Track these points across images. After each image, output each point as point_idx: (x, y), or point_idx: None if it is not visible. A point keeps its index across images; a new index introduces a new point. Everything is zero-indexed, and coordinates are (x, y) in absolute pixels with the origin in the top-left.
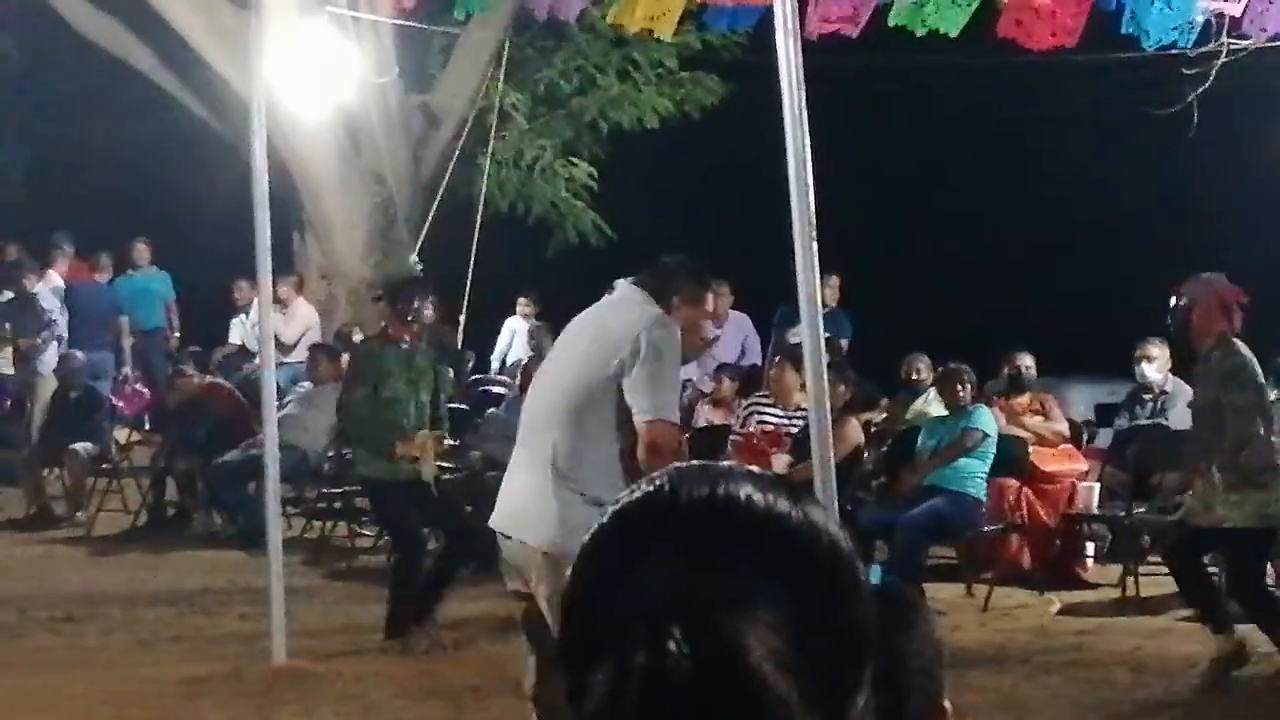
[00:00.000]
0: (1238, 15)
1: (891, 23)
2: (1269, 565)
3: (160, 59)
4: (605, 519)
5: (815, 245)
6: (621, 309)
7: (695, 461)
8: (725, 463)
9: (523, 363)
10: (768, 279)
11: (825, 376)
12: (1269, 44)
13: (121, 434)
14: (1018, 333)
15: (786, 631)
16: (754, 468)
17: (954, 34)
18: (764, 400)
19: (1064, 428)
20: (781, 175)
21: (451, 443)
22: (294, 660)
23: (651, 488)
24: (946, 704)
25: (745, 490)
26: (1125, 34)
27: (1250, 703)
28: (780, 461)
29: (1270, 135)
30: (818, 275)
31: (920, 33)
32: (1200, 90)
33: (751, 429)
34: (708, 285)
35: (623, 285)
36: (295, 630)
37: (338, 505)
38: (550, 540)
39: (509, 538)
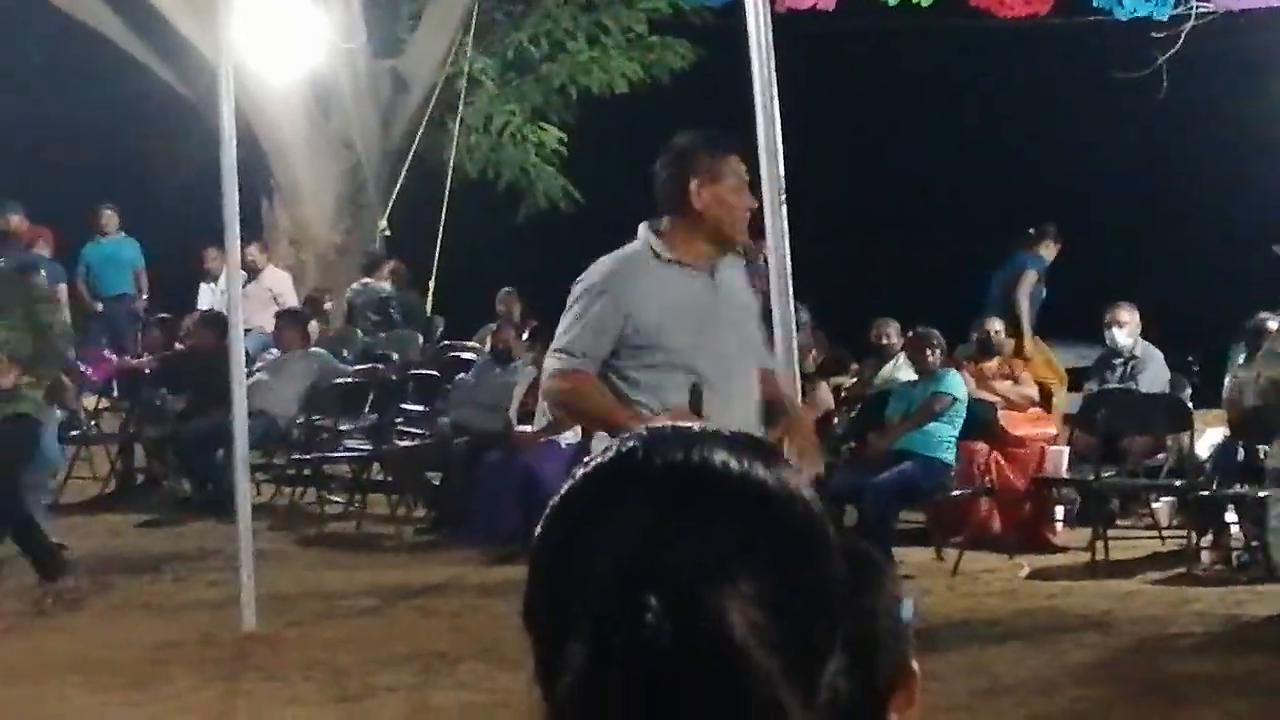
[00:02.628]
0: None
1: None
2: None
3: (127, 24)
4: (575, 480)
5: (785, 209)
6: None
7: (669, 424)
8: (698, 425)
9: (491, 328)
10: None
11: (795, 341)
12: (1237, 9)
13: (90, 401)
14: (986, 298)
15: (764, 600)
16: (727, 430)
17: (926, 3)
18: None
19: (1033, 392)
20: (751, 140)
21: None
22: (264, 626)
23: (624, 449)
24: (914, 664)
25: (719, 454)
26: (1097, 7)
27: (1220, 664)
28: None
29: (1239, 100)
30: (787, 240)
31: (892, 2)
32: (1169, 55)
33: None
34: (726, 153)
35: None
36: (265, 596)
37: (307, 472)
38: None
39: None
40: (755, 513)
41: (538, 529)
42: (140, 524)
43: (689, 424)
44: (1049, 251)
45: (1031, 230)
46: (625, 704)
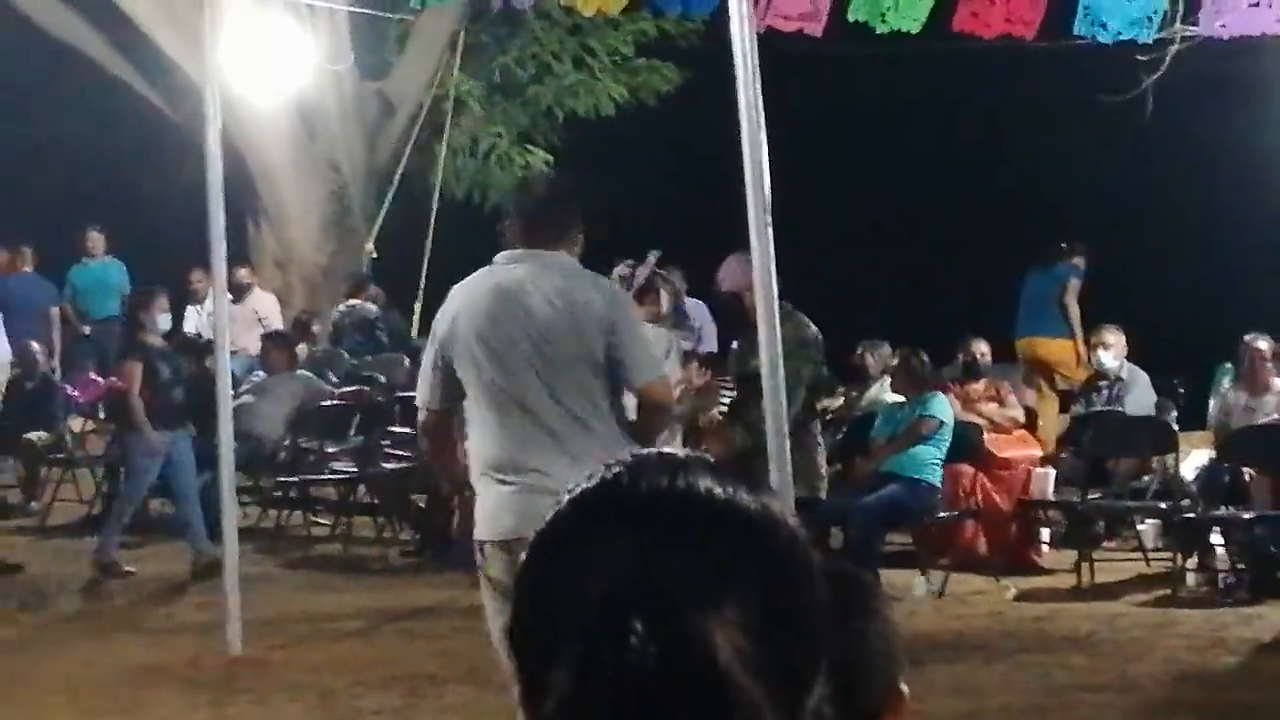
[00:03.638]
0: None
1: (851, 18)
2: None
3: (113, 46)
4: (561, 506)
5: (770, 231)
6: None
7: (654, 450)
8: (683, 451)
9: None
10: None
11: (781, 363)
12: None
13: (76, 424)
14: (973, 320)
15: (750, 626)
16: (712, 457)
17: (915, 32)
18: (724, 385)
19: (1019, 414)
20: (737, 162)
21: None
22: (250, 649)
23: (610, 475)
24: (904, 686)
25: (704, 481)
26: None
27: (1205, 687)
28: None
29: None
30: (773, 261)
31: (880, 29)
32: (1154, 78)
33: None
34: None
35: None
36: (251, 619)
37: (293, 494)
38: None
39: None
40: (739, 539)
41: (524, 554)
42: (126, 546)
43: (673, 450)
44: (1081, 262)
45: (1064, 244)
46: None
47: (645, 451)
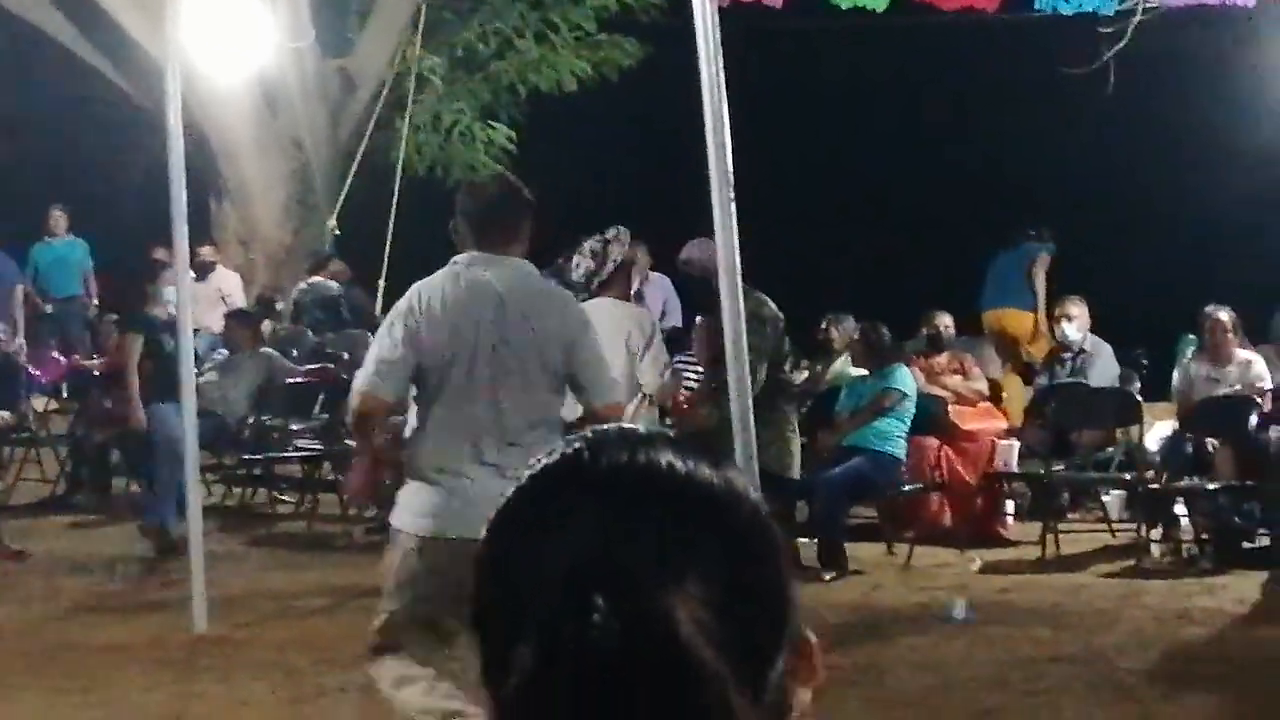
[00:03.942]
0: None
1: None
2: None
3: (73, 24)
4: (522, 483)
5: (734, 206)
6: None
7: (614, 426)
8: (644, 427)
9: None
10: (687, 240)
11: (745, 338)
12: (1183, 5)
13: (39, 403)
14: (936, 293)
15: (713, 601)
16: (673, 433)
17: (880, 9)
18: (689, 360)
19: (983, 386)
20: (700, 137)
21: None
22: (215, 627)
23: (570, 451)
24: (810, 634)
25: (665, 456)
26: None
27: (1171, 657)
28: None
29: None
30: (736, 236)
31: (844, 4)
32: (1115, 50)
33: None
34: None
35: None
36: (216, 597)
37: (257, 472)
38: None
39: None
40: (701, 514)
41: (485, 531)
42: (90, 526)
43: (634, 425)
44: (1050, 244)
45: (1032, 231)
46: (573, 705)
47: (606, 427)
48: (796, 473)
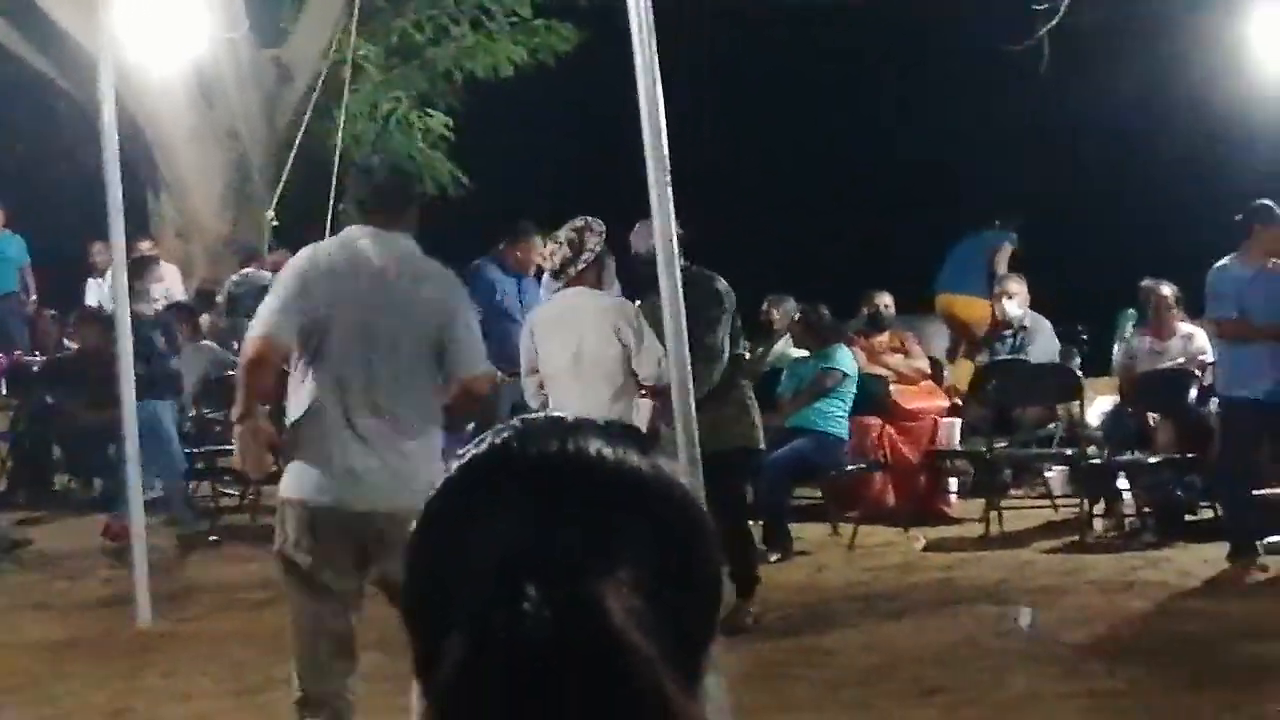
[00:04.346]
0: None
1: None
2: None
3: (4, 18)
4: (451, 474)
5: (670, 190)
6: None
7: (543, 414)
8: (573, 415)
9: None
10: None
11: (684, 321)
12: None
13: None
14: (876, 272)
15: (643, 587)
16: (603, 420)
17: None
18: None
19: (924, 365)
20: (638, 121)
21: None
22: (159, 622)
23: (499, 441)
24: None
25: (594, 444)
26: None
27: (1115, 631)
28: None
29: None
30: (673, 219)
31: None
32: (1050, 25)
33: None
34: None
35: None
36: (160, 592)
37: (200, 465)
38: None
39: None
40: (631, 501)
41: (415, 522)
42: (33, 522)
43: (562, 414)
44: (1015, 235)
45: (997, 220)
46: (505, 694)
47: (534, 415)
48: (763, 442)
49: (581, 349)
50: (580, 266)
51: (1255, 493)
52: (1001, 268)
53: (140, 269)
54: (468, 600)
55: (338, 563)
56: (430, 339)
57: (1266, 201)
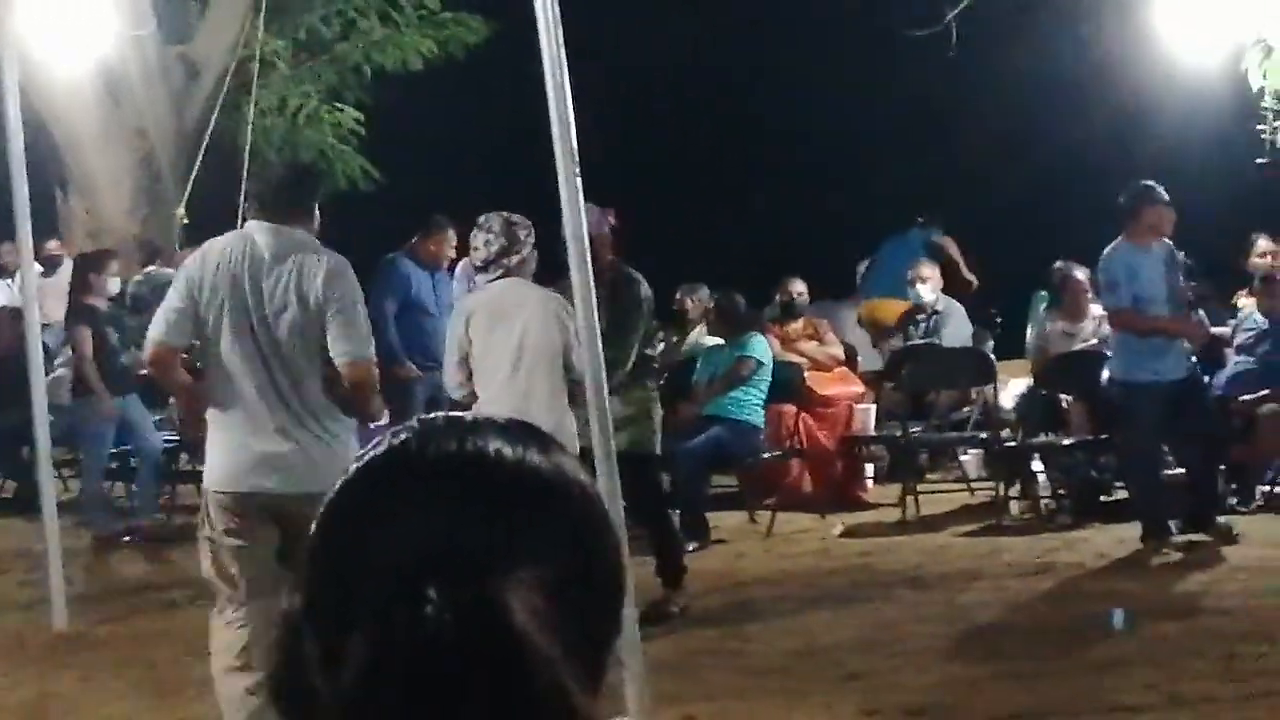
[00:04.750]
0: None
1: None
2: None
3: None
4: (350, 474)
5: (579, 181)
6: None
7: (442, 414)
8: (472, 414)
9: None
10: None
11: (596, 314)
12: None
13: None
14: (789, 259)
15: (545, 586)
16: (502, 419)
17: None
18: None
19: (839, 351)
20: (547, 112)
21: None
22: (75, 624)
23: (397, 442)
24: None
25: (494, 443)
26: None
27: (1033, 612)
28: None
29: (1027, 52)
30: (583, 211)
31: None
32: (958, 10)
33: None
34: None
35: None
36: (75, 594)
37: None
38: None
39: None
40: (532, 500)
41: (314, 524)
42: None
43: (460, 414)
44: (939, 232)
45: (920, 218)
46: (407, 694)
47: (433, 415)
48: (658, 448)
49: (524, 339)
50: (516, 259)
51: (1165, 473)
52: (954, 252)
53: (96, 264)
54: (369, 601)
55: (260, 548)
56: (318, 326)
57: (1148, 182)
